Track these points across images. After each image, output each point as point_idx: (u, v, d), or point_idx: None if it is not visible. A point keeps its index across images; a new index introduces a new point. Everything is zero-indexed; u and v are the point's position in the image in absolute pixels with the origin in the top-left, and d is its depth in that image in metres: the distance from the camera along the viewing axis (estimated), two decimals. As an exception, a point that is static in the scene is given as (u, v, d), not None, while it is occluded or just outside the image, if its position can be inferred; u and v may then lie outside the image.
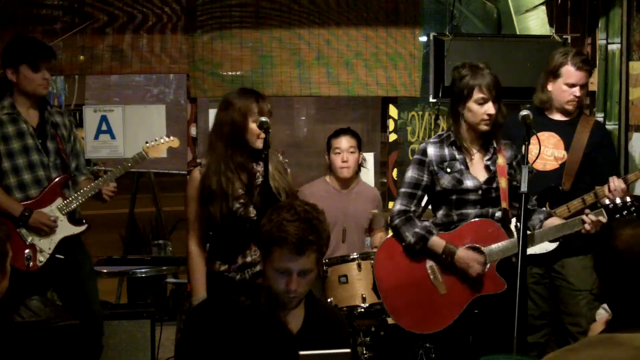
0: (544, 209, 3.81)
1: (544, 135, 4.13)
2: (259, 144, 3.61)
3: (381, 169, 5.71)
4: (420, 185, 3.73)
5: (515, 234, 3.64)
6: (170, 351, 4.91)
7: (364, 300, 4.11)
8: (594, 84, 5.32)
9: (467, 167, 3.66)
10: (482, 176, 3.66)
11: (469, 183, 3.64)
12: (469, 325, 3.66)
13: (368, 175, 5.36)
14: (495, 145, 3.68)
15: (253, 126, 3.64)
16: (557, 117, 4.27)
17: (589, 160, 4.19)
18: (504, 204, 3.63)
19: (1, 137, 4.07)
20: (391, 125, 5.58)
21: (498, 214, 3.65)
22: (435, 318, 3.70)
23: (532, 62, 4.90)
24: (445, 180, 3.66)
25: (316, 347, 2.47)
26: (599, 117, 5.23)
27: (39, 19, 5.07)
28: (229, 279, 3.65)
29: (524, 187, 3.39)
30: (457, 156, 3.68)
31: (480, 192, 3.64)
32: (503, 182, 3.64)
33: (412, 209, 3.73)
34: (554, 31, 5.36)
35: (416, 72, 5.45)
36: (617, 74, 5.23)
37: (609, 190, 3.96)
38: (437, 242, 3.66)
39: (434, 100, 5.18)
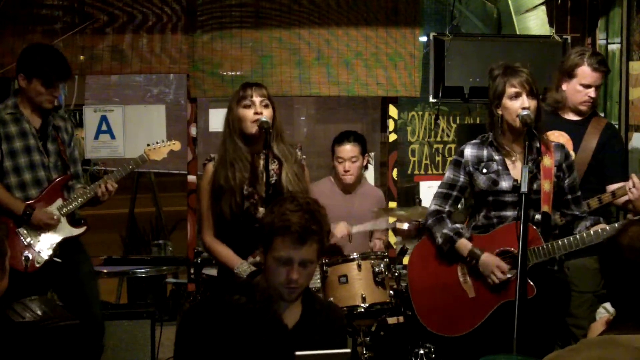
0: (597, 217, 3.71)
1: (554, 134, 4.09)
2: (253, 129, 3.64)
3: (381, 169, 5.71)
4: (456, 186, 3.71)
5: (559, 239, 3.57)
6: (170, 351, 4.90)
7: (364, 300, 4.11)
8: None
9: (505, 168, 3.60)
10: None
11: (504, 184, 3.59)
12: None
13: (368, 175, 5.36)
14: (539, 146, 3.57)
15: (242, 111, 3.67)
16: (570, 116, 4.25)
17: (597, 162, 4.17)
18: (546, 208, 3.54)
19: (4, 136, 4.07)
20: (391, 125, 5.58)
21: (538, 217, 3.55)
22: (461, 321, 3.68)
23: (532, 62, 4.89)
24: (481, 181, 3.63)
25: (313, 341, 2.49)
26: (599, 117, 5.22)
27: (39, 19, 5.07)
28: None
29: (523, 188, 3.36)
30: (496, 157, 3.62)
31: (516, 193, 3.54)
32: (546, 185, 3.55)
33: (446, 209, 3.72)
34: (554, 31, 5.36)
35: (416, 72, 5.45)
36: (617, 74, 5.23)
37: (633, 186, 3.92)
38: (464, 244, 3.63)
39: (434, 100, 5.17)
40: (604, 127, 4.26)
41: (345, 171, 4.76)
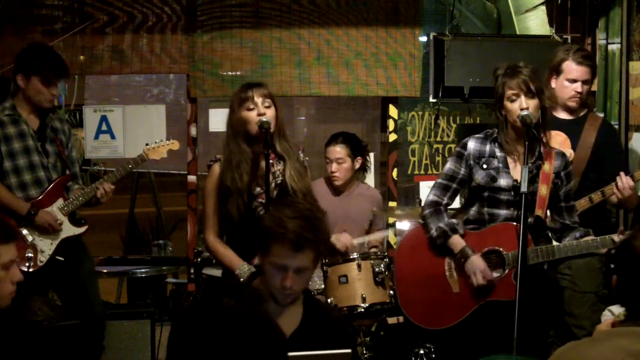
0: (587, 229, 3.70)
1: (550, 134, 4.09)
2: (256, 130, 3.63)
3: (381, 169, 5.71)
4: (456, 178, 3.71)
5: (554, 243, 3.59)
6: (170, 351, 4.90)
7: (364, 300, 4.11)
8: (594, 84, 5.31)
9: (506, 166, 3.61)
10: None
11: (502, 182, 3.59)
12: (469, 325, 3.65)
13: (368, 175, 5.36)
14: (541, 149, 3.59)
15: (244, 114, 3.64)
16: (563, 115, 4.26)
17: (596, 159, 4.18)
18: (539, 212, 3.55)
19: (2, 137, 4.08)
20: (391, 125, 5.58)
21: (530, 220, 3.55)
22: (443, 315, 3.69)
23: (532, 62, 4.88)
24: (479, 176, 3.63)
25: (314, 344, 2.48)
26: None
27: (39, 19, 5.08)
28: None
29: (523, 188, 3.37)
30: (498, 154, 3.63)
31: (513, 192, 3.57)
32: (543, 190, 3.56)
33: (445, 201, 3.73)
34: (554, 31, 5.36)
35: (416, 72, 5.45)
36: (617, 74, 5.23)
37: (617, 188, 3.95)
38: (457, 242, 3.63)
39: (434, 100, 5.17)
40: (600, 124, 4.29)
41: (332, 172, 4.76)
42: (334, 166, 4.75)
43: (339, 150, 4.74)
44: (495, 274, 3.59)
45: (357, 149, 4.79)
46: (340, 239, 4.50)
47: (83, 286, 4.28)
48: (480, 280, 3.56)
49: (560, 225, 3.72)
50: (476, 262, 3.58)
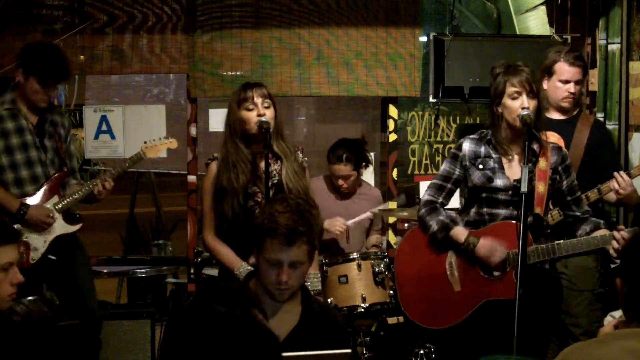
0: (599, 220, 3.71)
1: (545, 135, 4.09)
2: (255, 130, 3.63)
3: (381, 169, 5.71)
4: (451, 179, 3.71)
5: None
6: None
7: (364, 300, 4.11)
8: (594, 84, 5.32)
9: (501, 167, 3.60)
10: (517, 177, 3.53)
11: (499, 182, 3.58)
12: (469, 325, 3.65)
13: (368, 175, 5.37)
14: (535, 147, 3.57)
15: (244, 114, 3.64)
16: (556, 116, 4.27)
17: (590, 159, 4.18)
18: (538, 210, 3.53)
19: (0, 133, 4.06)
20: (391, 125, 5.58)
21: (530, 218, 3.52)
22: (444, 314, 3.68)
23: (532, 62, 4.89)
24: (476, 177, 3.62)
25: (312, 343, 2.48)
26: (599, 117, 5.23)
27: (39, 19, 5.07)
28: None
29: (524, 188, 3.36)
30: (493, 155, 3.62)
31: (510, 192, 3.56)
32: (541, 187, 3.54)
33: (440, 200, 3.72)
34: (554, 31, 5.36)
35: (416, 72, 5.45)
36: (617, 74, 5.23)
37: (617, 186, 3.95)
38: (460, 232, 3.62)
39: (434, 100, 5.18)
40: (593, 123, 4.30)
41: (340, 185, 4.80)
42: (341, 181, 4.78)
43: (344, 169, 4.75)
44: (496, 273, 3.58)
45: (360, 157, 4.80)
46: (334, 223, 4.54)
47: (77, 282, 4.23)
48: (500, 257, 3.54)
49: (572, 218, 3.71)
50: (488, 243, 3.56)
